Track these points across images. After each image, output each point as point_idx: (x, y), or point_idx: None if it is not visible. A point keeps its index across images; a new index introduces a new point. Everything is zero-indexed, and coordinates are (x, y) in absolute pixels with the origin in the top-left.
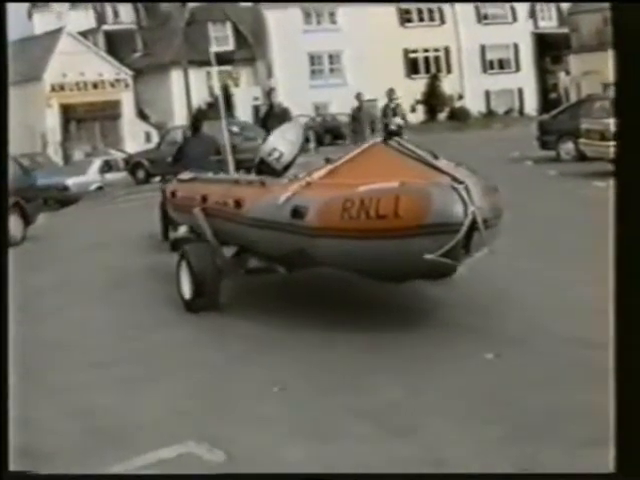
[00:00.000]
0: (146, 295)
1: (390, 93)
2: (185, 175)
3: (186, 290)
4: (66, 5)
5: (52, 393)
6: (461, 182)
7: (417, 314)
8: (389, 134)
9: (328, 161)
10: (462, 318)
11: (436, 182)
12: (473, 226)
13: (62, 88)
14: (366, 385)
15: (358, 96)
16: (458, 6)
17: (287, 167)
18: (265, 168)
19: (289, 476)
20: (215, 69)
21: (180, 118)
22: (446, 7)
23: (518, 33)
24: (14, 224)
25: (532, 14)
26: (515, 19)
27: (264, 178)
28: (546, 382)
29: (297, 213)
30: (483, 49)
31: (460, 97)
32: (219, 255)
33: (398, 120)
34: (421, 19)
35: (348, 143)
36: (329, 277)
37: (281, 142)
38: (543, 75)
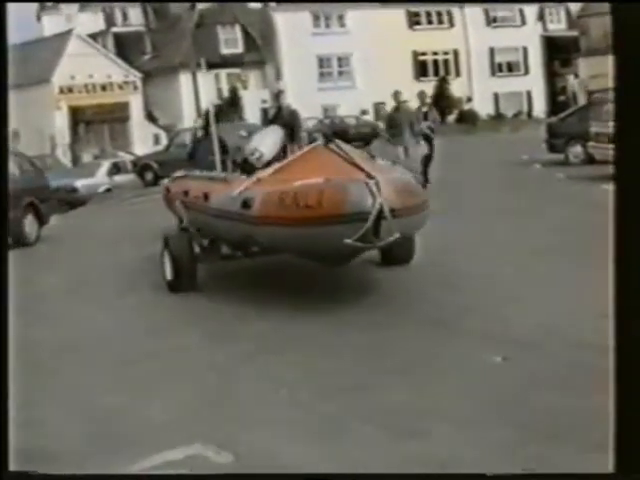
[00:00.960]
0: (141, 280)
1: (396, 96)
2: (179, 173)
3: (168, 273)
4: (75, 7)
5: (64, 394)
6: (372, 178)
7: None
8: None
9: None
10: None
11: (353, 178)
12: (380, 215)
13: (71, 90)
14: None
15: (396, 95)
16: (467, 9)
17: (267, 165)
18: (248, 167)
19: (289, 476)
20: (223, 71)
21: (189, 120)
22: (455, 10)
23: (527, 36)
24: (29, 224)
25: (541, 17)
26: (524, 22)
27: (228, 175)
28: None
29: (245, 204)
30: (492, 52)
31: (469, 100)
32: (196, 243)
33: (428, 123)
34: (430, 22)
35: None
36: (294, 264)
37: (262, 144)
38: (552, 78)
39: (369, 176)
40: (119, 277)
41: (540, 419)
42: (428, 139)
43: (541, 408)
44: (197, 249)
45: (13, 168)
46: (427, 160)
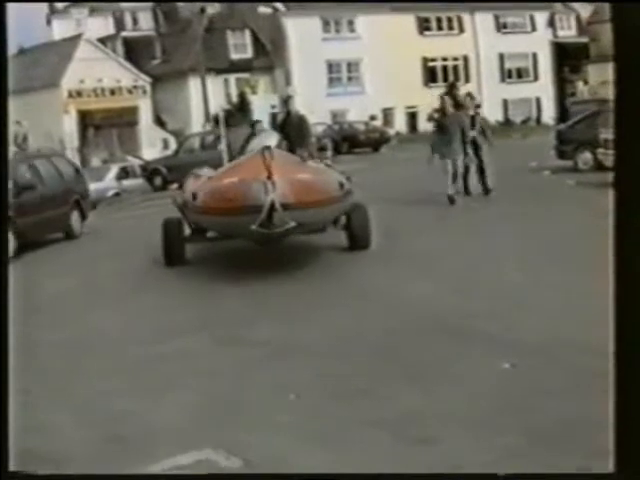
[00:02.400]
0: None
1: (443, 100)
2: (194, 171)
3: (166, 251)
4: (85, 11)
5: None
6: (270, 179)
7: None
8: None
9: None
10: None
11: (256, 178)
12: (272, 208)
13: (80, 94)
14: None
15: (442, 99)
16: (477, 15)
17: None
18: None
19: (289, 476)
20: (233, 76)
21: (197, 125)
22: (465, 16)
23: (537, 42)
24: (75, 220)
25: (551, 23)
26: (534, 28)
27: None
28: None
29: (195, 197)
30: (502, 58)
31: (478, 106)
32: (188, 228)
33: (473, 133)
34: (440, 28)
35: (432, 155)
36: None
37: (258, 146)
38: (561, 84)
39: (269, 177)
40: (144, 256)
41: (546, 426)
42: (476, 147)
43: (548, 415)
44: (188, 232)
45: (67, 168)
46: (481, 171)
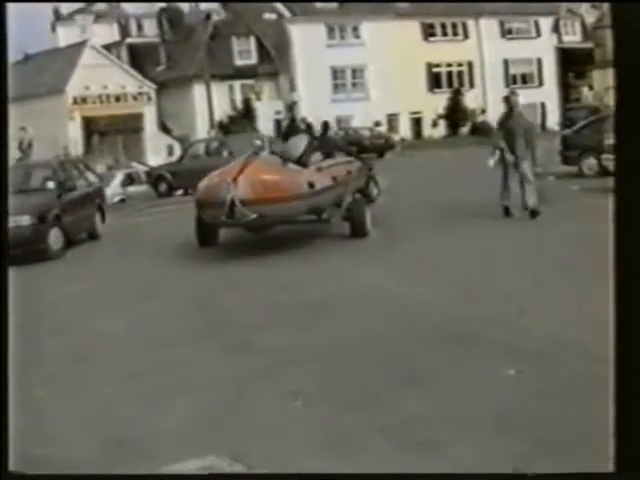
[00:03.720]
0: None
1: (509, 99)
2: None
3: (197, 234)
4: (90, 18)
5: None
6: (234, 179)
7: None
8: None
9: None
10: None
11: (223, 179)
12: (232, 203)
13: (84, 101)
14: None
15: (507, 99)
16: (482, 21)
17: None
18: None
19: (289, 476)
20: (237, 83)
21: (202, 131)
22: (470, 22)
23: (542, 48)
24: (98, 222)
25: (556, 29)
26: (539, 34)
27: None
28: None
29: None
30: (506, 64)
31: (483, 111)
32: None
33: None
34: (445, 34)
35: (493, 159)
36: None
37: (293, 148)
38: (566, 90)
39: (234, 179)
40: (174, 246)
41: (551, 432)
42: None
43: (552, 420)
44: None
45: (89, 174)
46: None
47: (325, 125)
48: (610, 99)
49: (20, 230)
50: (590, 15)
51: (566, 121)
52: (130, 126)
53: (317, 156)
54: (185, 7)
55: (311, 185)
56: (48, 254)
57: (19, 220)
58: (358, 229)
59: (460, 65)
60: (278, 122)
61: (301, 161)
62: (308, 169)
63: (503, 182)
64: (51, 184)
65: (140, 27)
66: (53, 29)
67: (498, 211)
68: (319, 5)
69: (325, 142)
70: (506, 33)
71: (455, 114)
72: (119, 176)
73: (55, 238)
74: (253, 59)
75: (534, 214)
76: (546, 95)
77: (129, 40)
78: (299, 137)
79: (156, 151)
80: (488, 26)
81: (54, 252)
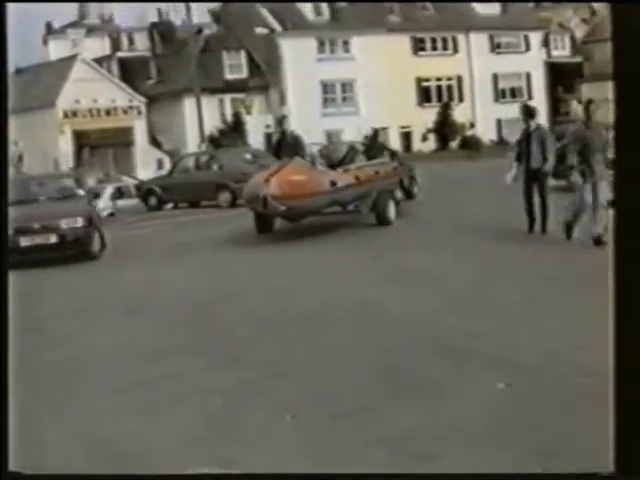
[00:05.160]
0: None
1: (588, 106)
2: None
3: (255, 223)
4: (82, 32)
5: None
6: (267, 180)
7: None
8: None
9: None
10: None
11: (261, 179)
12: (265, 198)
13: (75, 114)
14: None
15: (587, 105)
16: (472, 35)
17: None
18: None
19: (289, 476)
20: (228, 97)
21: (193, 145)
22: (460, 36)
23: (531, 62)
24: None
25: (545, 43)
26: (528, 48)
27: None
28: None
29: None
30: (495, 78)
31: (472, 126)
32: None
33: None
34: (435, 48)
35: (511, 175)
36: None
37: (336, 152)
38: (555, 104)
39: (267, 178)
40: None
41: (538, 446)
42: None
43: (541, 435)
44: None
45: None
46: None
47: (374, 133)
48: (598, 113)
49: (74, 231)
50: (580, 29)
51: (555, 135)
52: (120, 140)
53: (361, 159)
54: (177, 21)
55: (333, 183)
56: (92, 254)
57: (73, 222)
58: (382, 219)
59: (449, 79)
60: (268, 136)
61: (342, 163)
62: (335, 170)
63: (526, 197)
64: (81, 192)
65: (131, 41)
66: (45, 43)
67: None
68: (311, 19)
69: (372, 147)
70: (495, 47)
71: (444, 128)
72: (109, 190)
73: (96, 240)
74: (244, 73)
75: (599, 242)
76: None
77: (120, 54)
78: (342, 144)
79: (146, 165)
80: (478, 40)
81: (96, 253)
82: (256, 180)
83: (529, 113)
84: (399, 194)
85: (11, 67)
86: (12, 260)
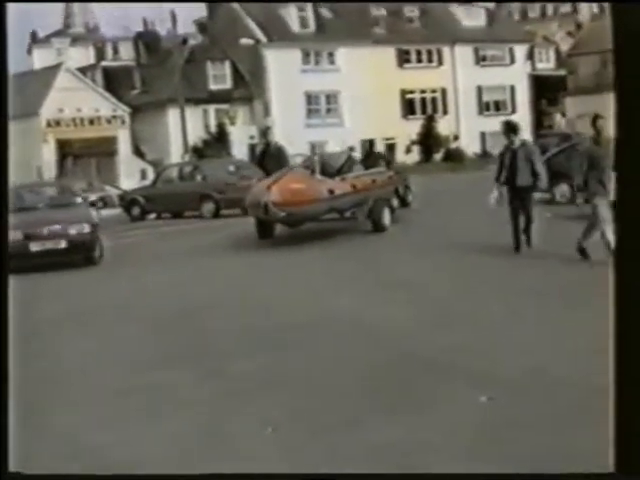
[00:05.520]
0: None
1: (596, 121)
2: None
3: (257, 229)
4: (66, 41)
5: None
6: (269, 187)
7: None
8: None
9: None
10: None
11: (263, 187)
12: (266, 205)
13: (58, 124)
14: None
15: (595, 122)
16: (457, 48)
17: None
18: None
19: (289, 476)
20: (212, 107)
21: (176, 156)
22: (445, 48)
23: (515, 75)
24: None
25: (530, 56)
26: (513, 61)
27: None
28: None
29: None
30: (480, 90)
31: (456, 138)
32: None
33: None
34: (420, 60)
35: (494, 196)
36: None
37: (334, 162)
38: (539, 117)
39: (269, 187)
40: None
41: (522, 457)
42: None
43: (523, 447)
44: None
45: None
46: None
47: (371, 143)
48: (582, 126)
49: (82, 237)
50: (565, 42)
51: (539, 148)
52: (104, 149)
53: (358, 168)
54: (162, 31)
55: (331, 191)
56: (94, 260)
57: (80, 228)
58: (377, 226)
59: (434, 92)
60: (252, 147)
61: (340, 172)
62: (333, 179)
63: (513, 217)
64: (79, 199)
65: (116, 50)
66: (29, 52)
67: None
68: (296, 30)
69: (368, 157)
70: (480, 60)
71: (428, 140)
72: (92, 199)
73: (98, 246)
74: (228, 84)
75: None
76: (519, 122)
77: (104, 63)
78: (341, 153)
79: (129, 175)
80: (463, 53)
81: (97, 259)
82: (258, 188)
83: (512, 129)
84: (395, 202)
85: None
86: (23, 265)
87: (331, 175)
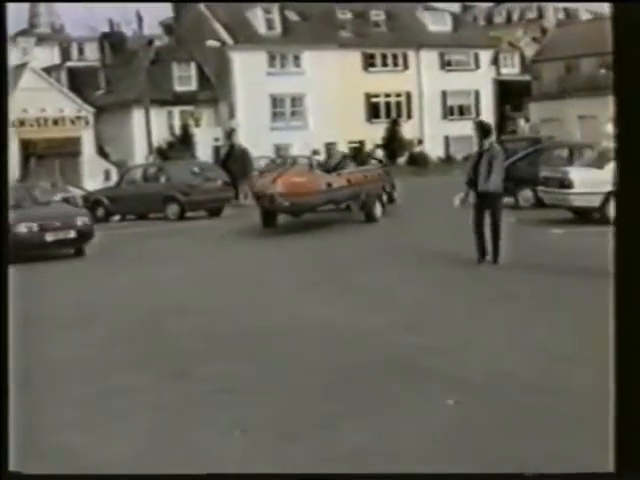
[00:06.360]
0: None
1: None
2: None
3: (261, 217)
4: (32, 40)
5: None
6: (275, 180)
7: None
8: None
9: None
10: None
11: (269, 180)
12: (272, 196)
13: (22, 124)
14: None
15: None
16: (423, 52)
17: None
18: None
19: (289, 476)
20: (176, 109)
21: (140, 157)
22: (411, 53)
23: (480, 80)
24: None
25: (495, 61)
26: (478, 66)
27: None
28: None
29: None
30: (444, 95)
31: (420, 142)
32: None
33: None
34: (385, 64)
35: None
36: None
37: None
38: (503, 122)
39: (274, 179)
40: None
41: (488, 461)
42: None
43: (489, 450)
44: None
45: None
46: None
47: (361, 144)
48: (546, 131)
49: (87, 227)
50: (530, 48)
51: (504, 152)
52: (68, 150)
53: (351, 166)
54: (128, 32)
55: (329, 185)
56: (84, 251)
57: (84, 219)
58: (370, 217)
59: (398, 96)
60: (217, 149)
61: (337, 168)
62: (331, 174)
63: (476, 224)
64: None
65: (81, 51)
66: None
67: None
68: (262, 33)
69: (359, 156)
70: (445, 65)
71: (392, 144)
72: (57, 198)
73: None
74: (193, 85)
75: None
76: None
77: (69, 63)
78: (336, 152)
79: (93, 175)
80: (428, 57)
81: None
82: (264, 181)
83: (484, 131)
84: (384, 197)
85: None
86: (39, 253)
87: (328, 171)
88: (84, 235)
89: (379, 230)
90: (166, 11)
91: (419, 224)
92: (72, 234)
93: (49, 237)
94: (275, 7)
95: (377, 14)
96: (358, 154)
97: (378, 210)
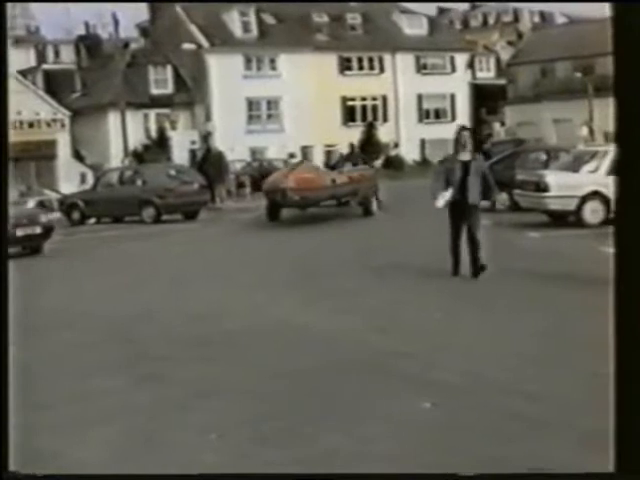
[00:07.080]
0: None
1: None
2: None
3: (267, 211)
4: (8, 42)
5: None
6: (286, 176)
7: None
8: None
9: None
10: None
11: (280, 175)
12: (284, 190)
13: None
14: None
15: None
16: (399, 55)
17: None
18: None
19: (289, 476)
20: (152, 112)
21: (116, 160)
22: (387, 56)
23: (456, 83)
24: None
25: (471, 65)
26: (454, 69)
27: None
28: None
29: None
30: (420, 98)
31: (396, 145)
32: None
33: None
34: (361, 67)
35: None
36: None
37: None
38: (478, 125)
39: (286, 176)
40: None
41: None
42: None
43: (465, 453)
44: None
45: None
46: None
47: (352, 146)
48: (522, 135)
49: (51, 223)
50: (505, 52)
51: (492, 156)
52: (43, 153)
53: (349, 165)
54: (104, 35)
55: (333, 181)
56: (44, 252)
57: (48, 217)
58: (367, 211)
59: (374, 99)
60: (193, 152)
61: (335, 167)
62: (334, 172)
63: (454, 234)
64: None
65: (57, 53)
66: None
67: None
68: (239, 36)
69: (352, 158)
70: (421, 68)
71: (368, 147)
72: (31, 203)
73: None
74: (169, 88)
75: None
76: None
77: (45, 66)
78: (335, 153)
79: (69, 179)
80: (404, 61)
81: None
82: (275, 176)
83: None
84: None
85: None
86: (10, 248)
87: (329, 169)
88: (48, 231)
89: (378, 223)
90: (142, 14)
91: (409, 218)
92: (38, 230)
93: (19, 232)
94: (251, 10)
95: (353, 17)
96: (351, 156)
97: (374, 205)
